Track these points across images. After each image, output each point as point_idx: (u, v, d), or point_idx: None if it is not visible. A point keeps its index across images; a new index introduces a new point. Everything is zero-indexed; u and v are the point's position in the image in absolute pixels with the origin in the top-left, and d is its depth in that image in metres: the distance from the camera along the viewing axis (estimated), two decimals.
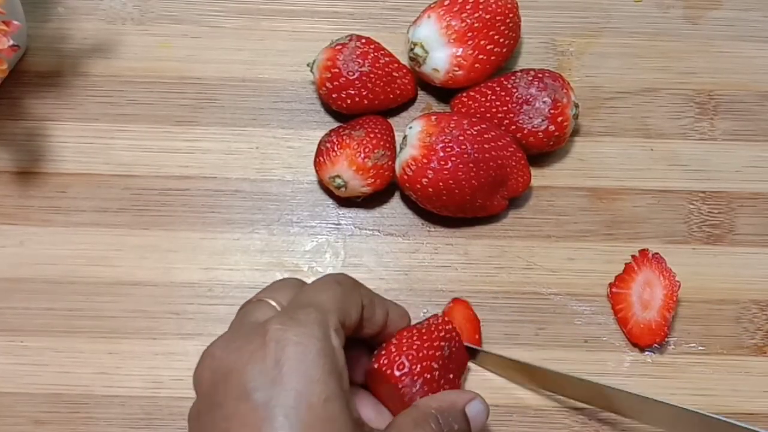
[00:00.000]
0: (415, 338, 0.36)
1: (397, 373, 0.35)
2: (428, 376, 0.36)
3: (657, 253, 0.42)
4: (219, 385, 0.30)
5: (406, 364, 0.35)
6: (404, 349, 0.36)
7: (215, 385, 0.30)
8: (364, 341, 0.37)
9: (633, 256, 0.43)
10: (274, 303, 0.34)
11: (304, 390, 0.29)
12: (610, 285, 0.43)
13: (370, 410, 0.37)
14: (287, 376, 0.29)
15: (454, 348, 0.38)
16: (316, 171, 0.44)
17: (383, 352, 0.36)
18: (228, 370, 0.30)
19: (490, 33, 0.44)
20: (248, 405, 0.28)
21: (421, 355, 0.36)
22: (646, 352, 0.42)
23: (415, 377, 0.35)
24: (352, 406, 0.31)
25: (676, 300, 0.42)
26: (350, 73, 0.43)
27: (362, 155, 0.42)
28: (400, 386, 0.35)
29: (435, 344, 0.37)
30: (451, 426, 0.34)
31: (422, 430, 0.33)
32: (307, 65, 0.45)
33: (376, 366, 0.36)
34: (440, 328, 0.37)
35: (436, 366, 0.36)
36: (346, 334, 0.33)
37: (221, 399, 0.29)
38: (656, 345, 0.42)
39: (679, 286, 0.42)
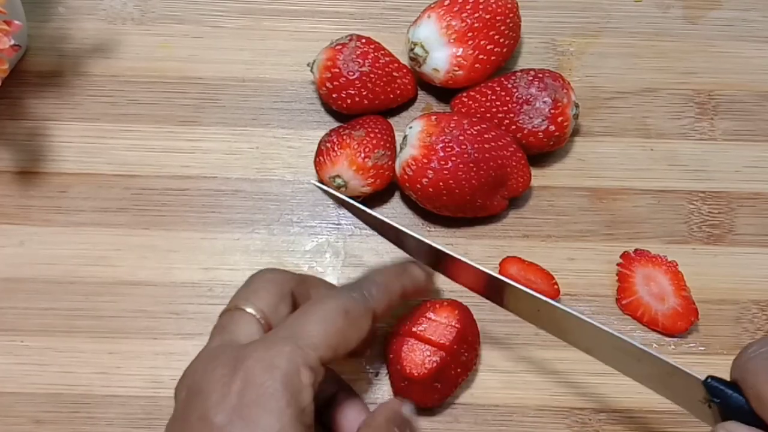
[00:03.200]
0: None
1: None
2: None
3: (636, 249, 0.43)
4: (190, 402, 0.31)
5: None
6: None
7: (188, 401, 0.31)
8: None
9: (619, 264, 0.43)
10: (254, 312, 0.34)
11: (259, 420, 0.29)
12: (617, 301, 0.43)
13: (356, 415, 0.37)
14: (247, 406, 0.29)
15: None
16: (317, 171, 0.44)
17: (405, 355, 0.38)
18: (198, 391, 0.31)
19: (491, 33, 0.44)
20: (207, 427, 0.29)
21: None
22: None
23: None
24: None
25: (681, 276, 0.42)
26: (350, 73, 0.43)
27: (362, 155, 0.42)
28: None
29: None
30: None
31: None
32: (308, 65, 0.45)
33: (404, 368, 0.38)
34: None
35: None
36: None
37: (189, 416, 0.30)
38: (696, 321, 0.42)
39: (676, 263, 0.43)
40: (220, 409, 0.29)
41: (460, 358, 0.38)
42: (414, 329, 0.38)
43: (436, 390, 0.39)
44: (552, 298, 0.42)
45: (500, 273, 0.43)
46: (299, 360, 0.31)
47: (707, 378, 0.31)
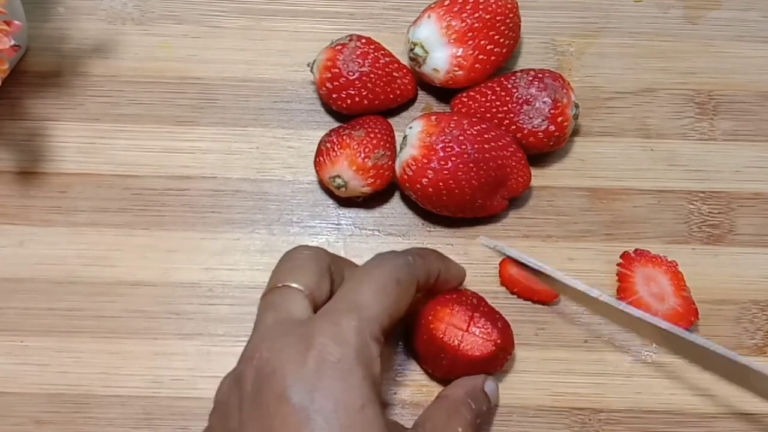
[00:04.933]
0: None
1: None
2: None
3: (636, 249, 0.43)
4: (262, 384, 0.30)
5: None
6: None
7: (259, 383, 0.31)
8: None
9: (619, 264, 0.43)
10: (301, 288, 0.34)
11: (342, 396, 0.30)
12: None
13: None
14: (327, 383, 0.30)
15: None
16: (317, 171, 0.44)
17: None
18: (272, 371, 0.30)
19: (491, 33, 0.44)
20: (288, 408, 0.29)
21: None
22: (645, 352, 0.42)
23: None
24: (384, 411, 0.32)
25: (681, 276, 0.42)
26: (350, 73, 0.43)
27: (362, 155, 0.42)
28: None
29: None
30: (480, 408, 0.37)
31: (457, 420, 0.35)
32: (308, 65, 0.45)
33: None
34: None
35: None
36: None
37: (264, 398, 0.30)
38: (696, 321, 0.42)
39: (676, 263, 0.43)
40: (297, 388, 0.29)
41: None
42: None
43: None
44: (552, 299, 0.43)
45: (500, 273, 0.43)
46: (367, 333, 0.31)
47: None
